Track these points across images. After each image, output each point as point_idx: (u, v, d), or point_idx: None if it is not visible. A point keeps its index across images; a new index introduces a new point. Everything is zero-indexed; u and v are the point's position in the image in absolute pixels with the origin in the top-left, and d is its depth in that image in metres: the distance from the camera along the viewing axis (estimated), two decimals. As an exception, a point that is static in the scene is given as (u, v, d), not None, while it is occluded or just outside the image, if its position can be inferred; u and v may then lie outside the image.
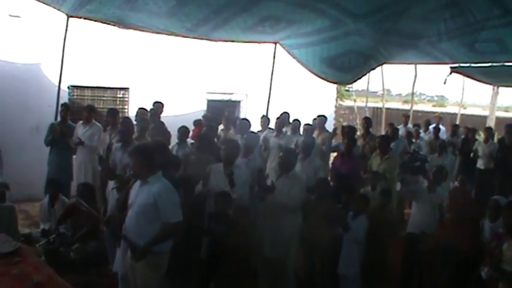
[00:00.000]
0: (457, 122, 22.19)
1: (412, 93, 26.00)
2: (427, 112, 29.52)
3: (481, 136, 16.52)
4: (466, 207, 6.13)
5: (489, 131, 13.78)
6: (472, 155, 13.51)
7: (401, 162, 8.80)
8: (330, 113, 16.99)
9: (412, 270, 7.42)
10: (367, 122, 12.25)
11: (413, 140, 14.10)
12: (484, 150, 13.24)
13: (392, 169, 8.99)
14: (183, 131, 9.75)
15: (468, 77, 16.16)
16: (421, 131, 15.63)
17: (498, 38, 11.27)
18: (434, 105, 56.35)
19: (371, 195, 7.93)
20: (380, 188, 8.19)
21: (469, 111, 33.46)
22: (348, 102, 30.46)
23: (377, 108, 30.16)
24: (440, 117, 18.28)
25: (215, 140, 9.73)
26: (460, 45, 11.62)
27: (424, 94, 79.35)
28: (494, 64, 13.23)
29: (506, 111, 45.32)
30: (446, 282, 5.16)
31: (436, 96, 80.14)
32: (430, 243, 6.16)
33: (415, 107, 29.29)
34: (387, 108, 28.65)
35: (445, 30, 10.00)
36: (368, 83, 29.37)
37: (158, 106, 11.40)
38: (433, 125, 16.16)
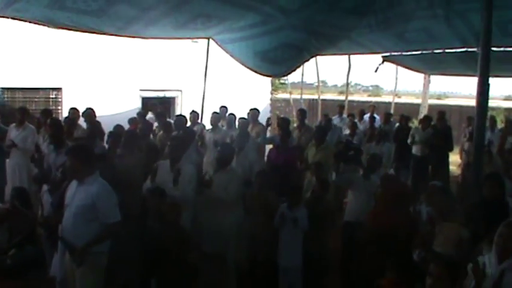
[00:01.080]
0: (392, 111, 22.63)
1: (347, 84, 26.36)
2: (363, 102, 30.01)
3: (414, 123, 16.89)
4: (396, 193, 6.23)
5: (427, 119, 14.08)
6: (409, 141, 13.80)
7: (335, 152, 8.92)
8: (265, 106, 17.13)
9: (351, 258, 7.56)
10: (302, 113, 12.43)
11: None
12: (421, 137, 13.53)
13: (327, 159, 9.14)
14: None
15: (400, 65, 16.57)
16: (355, 120, 15.84)
17: (426, 28, 11.64)
18: (369, 95, 57.38)
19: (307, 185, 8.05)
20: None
21: (403, 99, 34.15)
22: (283, 95, 30.72)
23: (313, 99, 30.50)
24: (375, 107, 18.60)
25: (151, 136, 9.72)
26: (390, 36, 11.94)
27: (359, 84, 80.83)
28: (424, 52, 13.65)
29: (439, 98, 46.74)
30: (379, 268, 5.26)
31: (371, 86, 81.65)
32: (365, 232, 6.28)
33: (351, 98, 29.70)
34: (323, 100, 28.99)
35: (375, 22, 10.24)
36: (302, 75, 29.65)
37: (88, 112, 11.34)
38: (368, 115, 16.50)
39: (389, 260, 5.20)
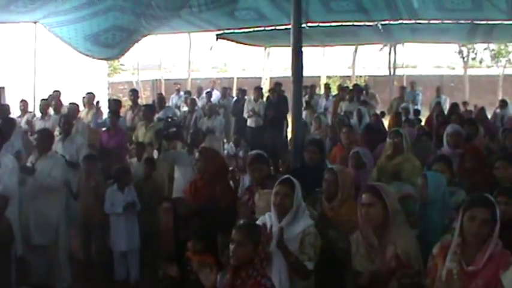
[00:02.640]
0: (235, 86, 23.03)
1: (189, 62, 26.44)
2: (205, 79, 30.23)
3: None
4: (216, 165, 6.41)
5: (258, 90, 14.42)
6: (245, 114, 14.14)
7: (156, 130, 8.98)
8: (103, 89, 16.88)
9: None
10: (134, 94, 12.42)
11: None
12: (253, 109, 13.88)
13: (157, 137, 9.23)
14: None
15: (235, 41, 16.93)
16: (194, 97, 15.97)
17: (255, 7, 12.06)
18: (218, 71, 57.87)
19: (137, 166, 8.09)
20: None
21: (247, 73, 34.71)
22: (126, 77, 30.30)
23: (156, 80, 30.32)
24: (214, 82, 18.92)
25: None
26: (221, 15, 12.24)
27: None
28: (256, 29, 14.10)
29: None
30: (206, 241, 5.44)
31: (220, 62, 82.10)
32: (186, 206, 6.39)
33: (196, 75, 29.86)
34: (167, 79, 28.90)
35: (205, 2, 10.45)
36: (140, 56, 29.31)
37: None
38: (207, 90, 16.74)
39: (193, 232, 5.41)
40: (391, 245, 4.33)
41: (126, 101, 14.67)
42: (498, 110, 13.92)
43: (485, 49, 29.89)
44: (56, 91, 12.37)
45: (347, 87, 16.66)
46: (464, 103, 16.67)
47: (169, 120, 8.73)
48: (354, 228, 4.75)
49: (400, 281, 4.21)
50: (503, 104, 14.25)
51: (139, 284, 7.44)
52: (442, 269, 3.93)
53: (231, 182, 6.97)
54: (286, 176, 4.92)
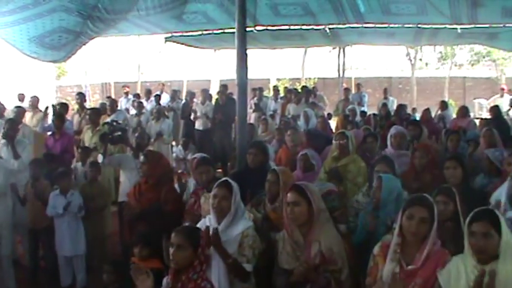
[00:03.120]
0: (185, 88, 22.99)
1: (139, 65, 26.34)
2: (155, 82, 30.06)
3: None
4: (161, 169, 6.39)
5: (205, 93, 14.42)
6: (192, 117, 14.14)
7: (101, 134, 8.87)
8: (51, 92, 16.63)
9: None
10: (81, 97, 12.29)
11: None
12: (201, 111, 13.88)
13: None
14: None
15: (184, 44, 16.88)
16: (142, 100, 15.87)
17: (203, 11, 12.09)
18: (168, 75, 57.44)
19: (81, 170, 8.01)
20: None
21: (195, 76, 34.53)
22: (74, 80, 29.86)
23: (106, 83, 30.01)
24: (163, 85, 18.83)
25: None
26: (169, 18, 12.19)
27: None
28: (205, 32, 14.10)
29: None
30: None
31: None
32: (131, 211, 6.36)
33: (145, 78, 29.65)
34: (116, 82, 28.62)
35: (153, 6, 10.41)
36: (85, 59, 28.87)
37: None
38: (156, 93, 16.67)
39: (138, 237, 5.40)
40: (316, 242, 4.45)
41: (75, 104, 14.48)
42: (439, 112, 14.23)
43: (432, 52, 30.56)
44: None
45: (295, 89, 16.80)
46: (414, 109, 17.05)
47: (115, 124, 8.61)
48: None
49: (324, 275, 4.34)
50: (444, 105, 14.56)
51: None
52: (383, 269, 4.02)
53: (176, 186, 6.97)
54: (224, 178, 4.96)
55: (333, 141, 7.39)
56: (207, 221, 4.78)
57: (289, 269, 4.44)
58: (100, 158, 8.40)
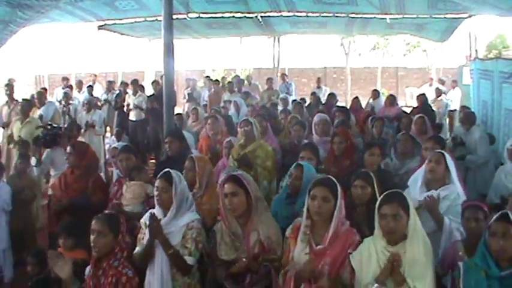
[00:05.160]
0: (119, 80, 22.73)
1: (73, 56, 25.93)
2: (89, 73, 29.64)
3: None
4: (88, 159, 6.35)
5: (135, 84, 14.28)
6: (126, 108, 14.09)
7: (34, 138, 8.69)
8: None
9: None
10: (10, 88, 11.98)
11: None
12: (133, 103, 13.81)
13: (32, 132, 9.03)
14: None
15: (117, 32, 16.67)
16: (69, 90, 15.61)
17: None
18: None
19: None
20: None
21: (130, 68, 34.12)
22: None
23: (39, 75, 29.42)
24: (96, 76, 18.63)
25: None
26: (101, 4, 12.05)
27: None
28: (138, 20, 13.96)
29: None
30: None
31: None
32: (57, 202, 6.30)
33: (80, 69, 29.21)
34: (51, 74, 28.09)
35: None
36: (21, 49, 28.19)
37: None
38: (89, 84, 16.48)
39: (63, 228, 5.37)
40: (255, 232, 4.49)
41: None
42: (371, 100, 14.52)
43: (365, 42, 31.03)
44: None
45: (216, 80, 16.80)
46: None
47: (49, 127, 8.50)
48: (216, 216, 4.89)
49: (264, 264, 4.38)
50: (376, 94, 14.88)
51: (14, 283, 7.24)
52: (294, 250, 4.14)
53: (103, 175, 6.95)
54: (166, 170, 4.87)
55: (238, 129, 7.53)
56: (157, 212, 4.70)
57: (229, 260, 4.46)
58: (34, 161, 8.22)
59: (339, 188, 4.17)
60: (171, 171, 4.76)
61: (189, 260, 4.52)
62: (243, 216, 4.53)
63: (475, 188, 8.42)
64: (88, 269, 4.32)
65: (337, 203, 4.11)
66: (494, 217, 3.83)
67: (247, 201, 4.50)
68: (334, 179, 4.28)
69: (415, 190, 5.42)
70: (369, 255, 3.97)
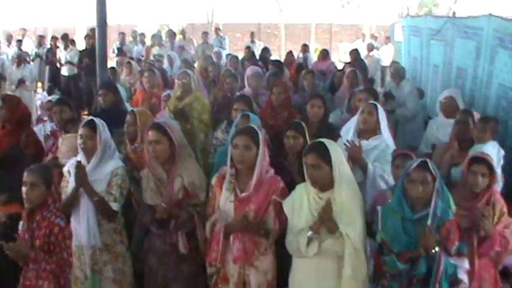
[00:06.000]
0: (50, 34, 22.16)
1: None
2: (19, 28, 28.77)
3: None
4: (19, 113, 6.22)
5: (66, 39, 14.01)
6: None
7: None
8: None
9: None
10: None
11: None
12: (65, 57, 13.57)
13: None
14: None
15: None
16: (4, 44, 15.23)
17: None
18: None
19: None
20: None
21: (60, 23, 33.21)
22: None
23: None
24: (25, 30, 18.13)
25: None
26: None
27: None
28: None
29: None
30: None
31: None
32: None
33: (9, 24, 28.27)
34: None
35: None
36: None
37: None
38: (18, 39, 16.04)
39: None
40: (178, 178, 4.58)
41: None
42: (301, 54, 14.70)
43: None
44: None
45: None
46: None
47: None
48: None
49: (187, 209, 4.50)
50: (305, 48, 15.15)
51: None
52: (220, 198, 4.27)
53: (36, 129, 6.84)
54: (89, 118, 4.93)
55: (176, 81, 7.54)
56: (69, 166, 4.76)
57: (154, 205, 4.53)
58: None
59: (261, 136, 4.25)
60: (94, 119, 4.79)
61: (114, 206, 4.62)
62: (167, 162, 4.60)
63: (404, 141, 8.68)
64: (21, 223, 4.33)
65: (259, 151, 4.21)
66: (413, 165, 3.97)
67: (171, 148, 4.56)
68: (255, 128, 4.37)
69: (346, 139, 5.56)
70: (301, 202, 4.10)
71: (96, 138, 4.67)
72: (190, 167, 4.69)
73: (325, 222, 3.92)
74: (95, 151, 4.68)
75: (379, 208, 4.18)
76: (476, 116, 6.20)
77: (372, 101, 5.85)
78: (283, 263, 4.45)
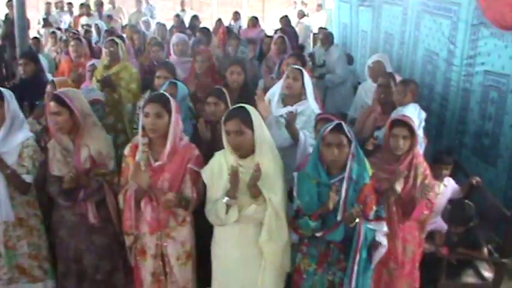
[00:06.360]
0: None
1: None
2: None
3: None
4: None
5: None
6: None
7: None
8: None
9: None
10: None
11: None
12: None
13: None
14: None
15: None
16: None
17: None
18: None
19: None
20: None
21: None
22: None
23: None
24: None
25: None
26: None
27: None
28: None
29: None
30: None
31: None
32: None
33: None
34: None
35: None
36: None
37: None
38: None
39: None
40: (85, 147, 4.45)
41: None
42: (232, 22, 14.62)
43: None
44: None
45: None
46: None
47: None
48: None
49: (95, 179, 4.42)
50: (237, 16, 15.18)
51: None
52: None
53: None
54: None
55: (103, 49, 7.36)
56: None
57: (62, 176, 4.40)
58: None
59: (173, 103, 4.15)
60: (1, 89, 4.59)
61: (28, 178, 4.51)
62: (72, 132, 4.47)
63: (334, 107, 8.75)
64: None
65: (171, 118, 4.11)
66: (328, 128, 3.93)
67: (72, 118, 4.41)
68: (167, 95, 4.27)
69: (271, 105, 5.52)
70: (220, 170, 4.04)
71: (4, 108, 4.49)
72: (96, 136, 4.56)
73: (251, 187, 3.88)
74: (3, 122, 4.50)
75: (295, 174, 4.15)
76: (399, 79, 6.24)
77: (296, 66, 5.80)
78: (202, 233, 4.41)
